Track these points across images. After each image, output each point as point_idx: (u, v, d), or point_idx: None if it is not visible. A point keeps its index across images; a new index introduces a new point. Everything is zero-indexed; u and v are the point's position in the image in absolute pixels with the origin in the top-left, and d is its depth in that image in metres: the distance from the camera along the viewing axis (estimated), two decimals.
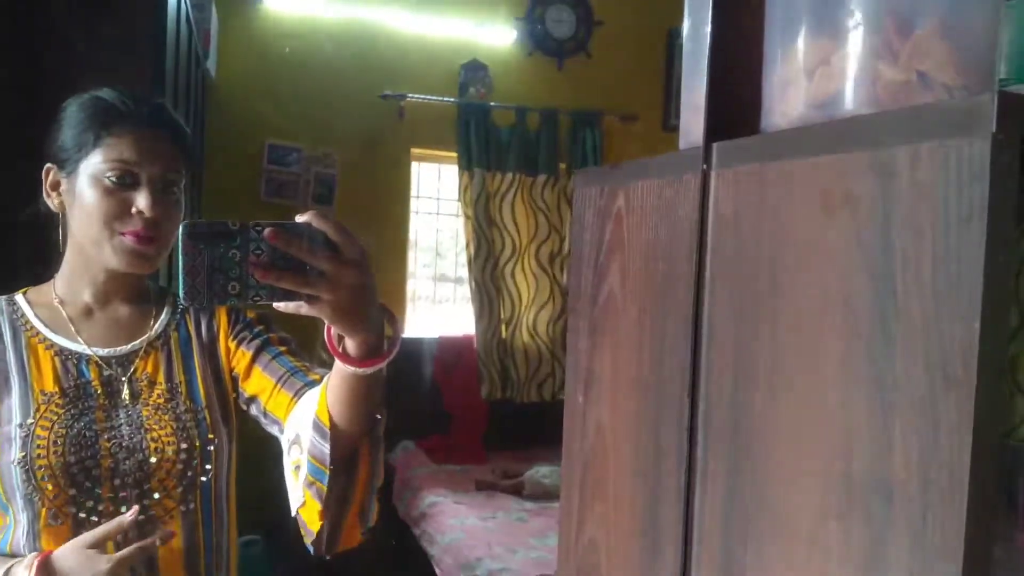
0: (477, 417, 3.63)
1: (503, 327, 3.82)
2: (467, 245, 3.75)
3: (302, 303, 0.72)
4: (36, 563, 0.88)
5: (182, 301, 0.70)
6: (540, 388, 3.84)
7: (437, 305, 4.20)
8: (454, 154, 3.74)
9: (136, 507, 0.93)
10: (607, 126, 3.96)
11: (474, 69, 3.75)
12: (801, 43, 0.37)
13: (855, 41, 0.35)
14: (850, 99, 0.35)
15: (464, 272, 3.92)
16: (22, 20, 1.42)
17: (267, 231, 0.69)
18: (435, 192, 4.09)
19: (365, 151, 3.61)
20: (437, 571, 2.62)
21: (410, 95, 3.63)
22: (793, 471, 0.33)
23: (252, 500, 1.09)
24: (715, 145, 0.38)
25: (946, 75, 0.31)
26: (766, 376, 0.34)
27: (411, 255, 3.90)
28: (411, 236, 3.87)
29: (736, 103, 0.40)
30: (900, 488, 0.29)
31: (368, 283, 0.73)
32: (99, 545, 0.89)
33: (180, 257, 0.69)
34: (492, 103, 3.75)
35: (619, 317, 0.46)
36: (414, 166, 3.85)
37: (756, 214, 0.35)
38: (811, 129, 0.34)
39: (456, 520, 2.72)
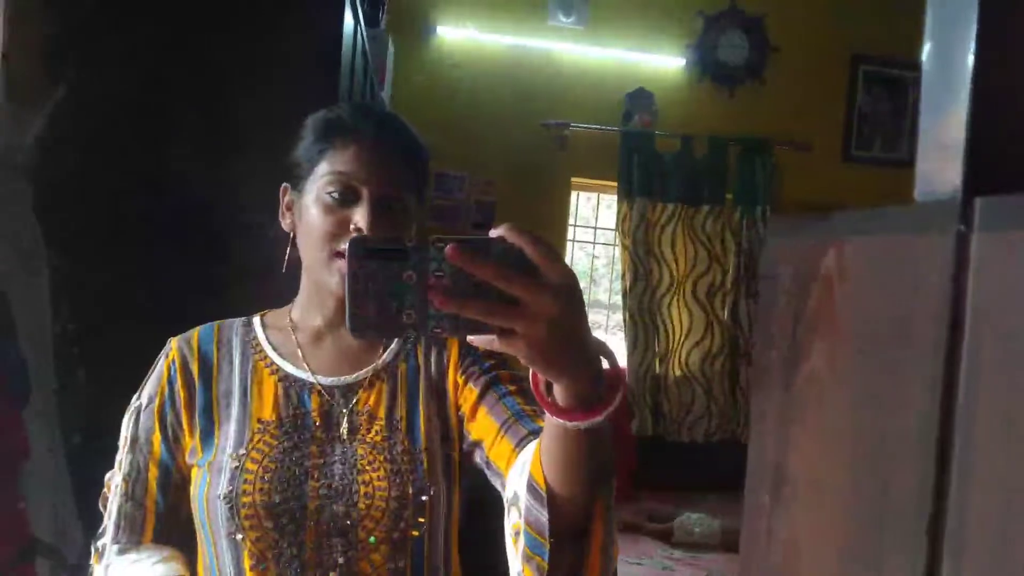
0: (626, 453, 3.51)
1: (656, 361, 3.69)
2: (623, 275, 3.67)
3: (493, 337, 0.59)
4: None
5: (349, 330, 0.62)
6: (692, 428, 3.67)
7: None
8: (614, 182, 3.67)
9: None
10: (779, 156, 3.75)
11: (639, 97, 3.68)
12: None
13: None
14: None
15: (617, 300, 3.83)
16: (196, 46, 1.50)
17: (449, 248, 0.56)
18: (592, 219, 4.04)
19: (525, 179, 3.63)
20: None
21: (572, 124, 3.62)
22: None
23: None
24: (979, 200, 0.28)
25: None
26: None
27: None
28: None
29: (1004, 143, 0.31)
30: None
31: (575, 314, 0.59)
32: None
33: (347, 278, 0.59)
34: (656, 131, 3.66)
35: (823, 408, 0.37)
36: (573, 194, 3.83)
37: None
38: None
39: None
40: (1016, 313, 0.26)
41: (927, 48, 0.36)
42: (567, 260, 3.81)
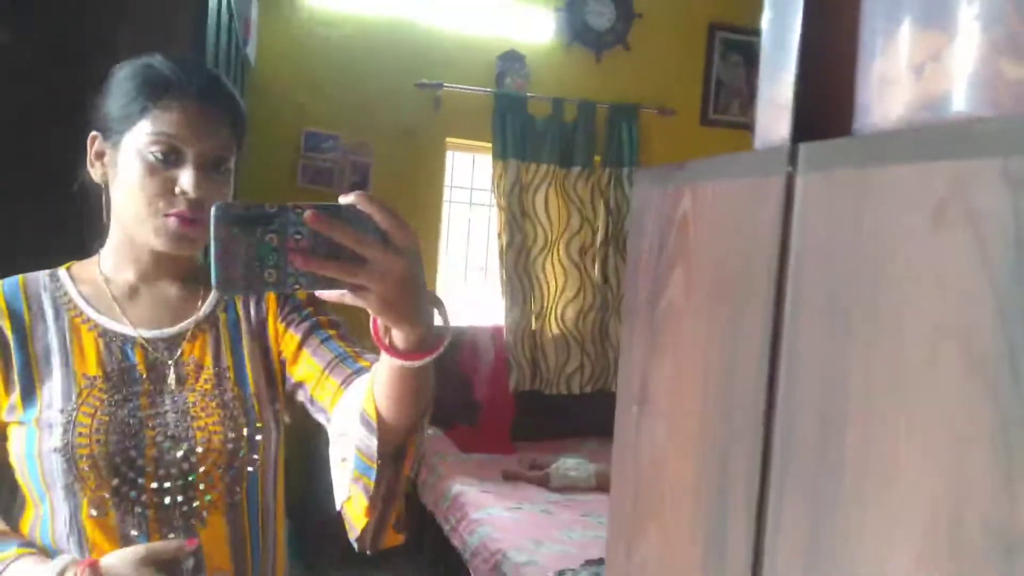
0: (505, 408, 3.62)
1: (533, 318, 3.79)
2: (499, 235, 3.73)
3: (345, 292, 0.67)
4: (84, 569, 0.84)
5: (215, 289, 0.66)
6: (568, 381, 3.82)
7: (466, 295, 4.18)
8: (489, 144, 3.71)
9: (196, 540, 0.90)
10: (644, 120, 3.90)
11: (511, 59, 3.71)
12: (906, 34, 0.33)
13: (971, 33, 0.31)
14: (963, 100, 0.31)
15: (493, 262, 3.89)
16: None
17: (307, 213, 0.63)
18: (468, 182, 4.06)
19: (400, 140, 3.59)
20: (464, 561, 2.60)
21: (446, 84, 3.61)
22: (890, 521, 0.29)
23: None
24: (802, 145, 0.34)
25: None
26: (860, 410, 0.30)
27: (442, 244, 3.89)
28: (443, 225, 3.85)
29: (825, 100, 0.36)
30: (1023, 543, 0.25)
31: (417, 272, 0.68)
32: (152, 563, 0.85)
33: (212, 242, 0.63)
34: (529, 94, 3.71)
35: (681, 330, 0.42)
36: (449, 155, 3.83)
37: (852, 225, 0.31)
38: (923, 130, 0.30)
39: (482, 511, 2.71)
40: (832, 235, 0.32)
41: (766, 17, 0.41)
42: (444, 222, 3.81)
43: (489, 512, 2.68)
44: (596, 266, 3.85)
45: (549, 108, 3.74)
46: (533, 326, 3.78)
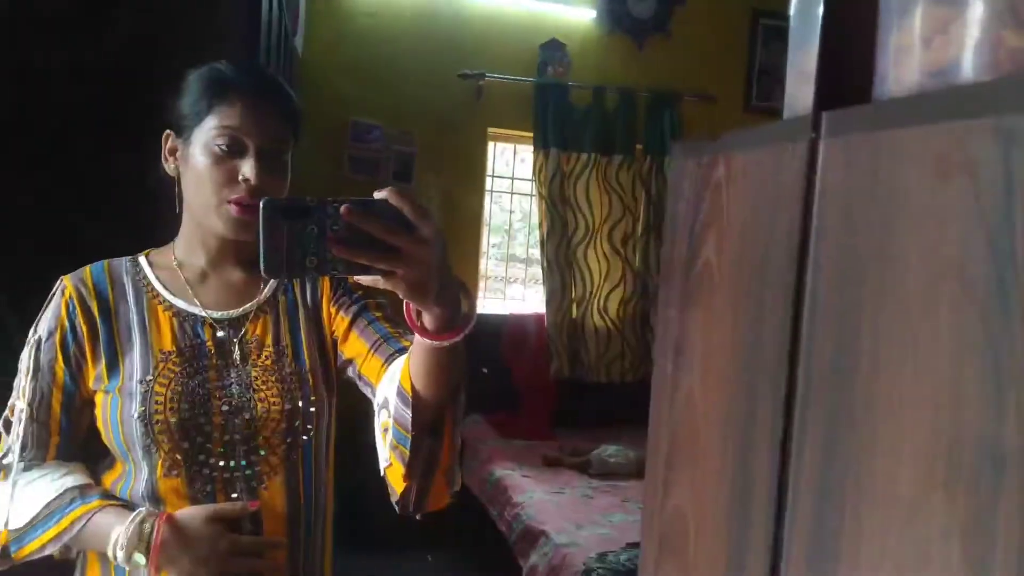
0: (546, 395, 3.66)
1: (574, 307, 3.82)
2: (540, 224, 3.76)
3: (378, 277, 0.75)
4: (161, 522, 0.94)
5: (263, 274, 0.74)
6: (608, 369, 3.84)
7: (508, 284, 4.23)
8: (530, 134, 3.74)
9: (257, 503, 1.00)
10: (685, 107, 3.89)
11: (552, 48, 3.74)
12: (919, 10, 0.36)
13: (976, 6, 0.34)
14: (969, 66, 0.34)
15: (535, 252, 3.93)
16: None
17: (343, 207, 0.72)
18: (509, 171, 4.10)
19: (443, 130, 3.65)
20: (508, 544, 2.66)
21: (488, 74, 3.65)
22: (896, 439, 0.33)
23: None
24: (825, 114, 0.38)
25: None
26: (871, 343, 0.34)
27: (484, 233, 3.93)
28: (485, 215, 3.90)
29: (847, 71, 0.40)
30: (1012, 456, 0.28)
31: (441, 259, 0.76)
32: (221, 521, 0.95)
33: (260, 232, 0.72)
34: (570, 82, 3.73)
35: (714, 287, 0.46)
36: (490, 145, 3.87)
37: (867, 182, 0.35)
38: (928, 96, 0.34)
39: (523, 495, 2.76)
40: (850, 192, 0.35)
41: None
42: (485, 213, 3.86)
43: (531, 496, 2.73)
44: (637, 255, 3.86)
45: (590, 96, 3.76)
46: (574, 314, 3.81)
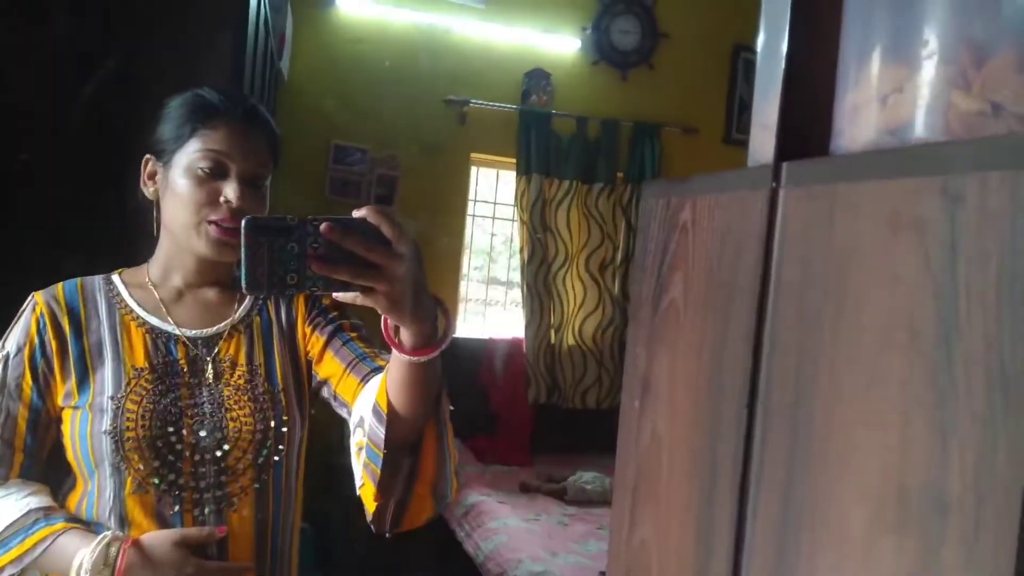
0: (523, 420, 3.65)
1: (552, 332, 3.83)
2: (521, 250, 3.78)
3: (357, 293, 0.76)
4: (127, 547, 0.92)
5: (244, 291, 0.74)
6: (586, 395, 3.85)
7: (487, 307, 4.24)
8: (513, 159, 3.77)
9: (224, 529, 0.99)
10: (667, 138, 3.95)
11: (537, 77, 3.78)
12: (876, 68, 0.38)
13: (929, 69, 0.36)
14: (921, 127, 0.36)
15: (516, 275, 3.95)
16: (115, 21, 1.49)
17: (323, 225, 0.73)
18: (492, 196, 4.12)
19: (426, 154, 3.67)
20: (480, 569, 2.64)
21: (473, 101, 3.68)
22: (849, 483, 0.34)
23: (305, 490, 1.13)
24: (785, 165, 0.39)
25: (1021, 106, 0.32)
26: (827, 389, 0.35)
27: (465, 256, 3.95)
28: (467, 238, 3.91)
29: (807, 124, 0.41)
30: (955, 503, 0.29)
31: (418, 276, 0.77)
32: (188, 545, 0.94)
33: (242, 249, 0.73)
34: (553, 111, 3.78)
35: (679, 327, 0.47)
36: (473, 170, 3.90)
37: (824, 232, 0.36)
38: (883, 154, 0.35)
39: (498, 521, 2.74)
40: (808, 240, 0.37)
41: (761, 44, 0.46)
42: (467, 236, 3.86)
43: (506, 523, 2.72)
44: (616, 282, 3.89)
45: (573, 125, 3.81)
46: (552, 340, 3.82)
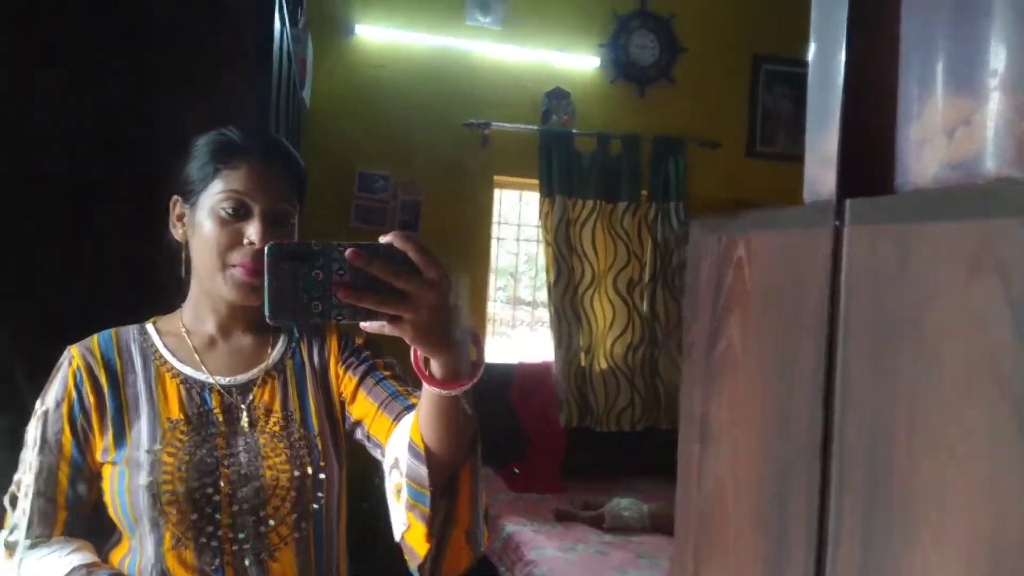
0: (556, 445, 3.62)
1: (582, 355, 3.80)
2: (547, 271, 3.77)
3: (384, 323, 0.73)
4: None
5: (267, 319, 0.71)
6: (619, 418, 3.80)
7: (514, 329, 4.22)
8: (535, 180, 3.77)
9: None
10: (690, 153, 3.93)
11: (557, 96, 3.79)
12: (939, 101, 0.37)
13: (997, 99, 0.34)
14: (991, 161, 0.34)
15: (540, 295, 3.93)
16: (137, 57, 1.51)
17: (348, 251, 0.70)
18: (516, 217, 4.12)
19: (449, 178, 3.68)
20: None
21: (494, 123, 3.69)
22: (936, 537, 0.32)
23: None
24: (848, 202, 0.38)
25: None
26: (906, 439, 0.33)
27: (490, 278, 3.94)
28: (491, 260, 3.91)
29: (867, 158, 0.40)
30: None
31: (448, 304, 0.74)
32: None
33: (266, 277, 0.70)
34: (574, 130, 3.78)
35: (738, 369, 0.45)
36: (496, 192, 3.90)
37: (894, 272, 0.35)
38: (959, 190, 0.34)
39: (536, 552, 2.71)
40: (877, 282, 0.35)
41: (811, 78, 0.45)
42: (492, 258, 3.86)
43: (544, 553, 2.68)
44: (644, 301, 3.85)
45: (595, 143, 3.80)
46: (582, 362, 3.79)
